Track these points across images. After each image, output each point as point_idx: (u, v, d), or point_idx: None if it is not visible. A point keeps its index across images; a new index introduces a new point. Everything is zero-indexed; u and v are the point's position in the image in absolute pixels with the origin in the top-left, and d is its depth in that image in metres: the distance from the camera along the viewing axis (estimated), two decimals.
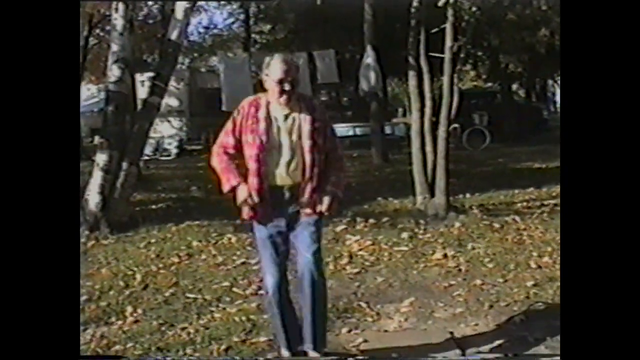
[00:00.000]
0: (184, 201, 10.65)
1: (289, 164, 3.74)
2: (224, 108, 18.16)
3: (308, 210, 3.78)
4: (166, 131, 19.65)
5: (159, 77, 8.71)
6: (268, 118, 3.73)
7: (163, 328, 4.65)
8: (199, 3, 18.66)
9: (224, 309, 5.03)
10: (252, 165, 3.71)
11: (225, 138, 3.80)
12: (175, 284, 5.72)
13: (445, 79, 8.77)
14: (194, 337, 4.42)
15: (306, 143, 3.73)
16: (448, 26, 8.48)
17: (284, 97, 3.69)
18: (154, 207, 10.11)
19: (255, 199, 3.70)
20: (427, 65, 8.88)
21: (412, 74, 9.12)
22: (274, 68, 3.69)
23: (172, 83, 19.33)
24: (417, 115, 8.96)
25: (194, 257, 6.72)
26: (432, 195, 8.68)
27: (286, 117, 3.75)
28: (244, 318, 4.73)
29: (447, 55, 8.57)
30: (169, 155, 19.46)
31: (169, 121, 19.72)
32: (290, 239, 3.83)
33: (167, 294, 5.44)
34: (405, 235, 7.33)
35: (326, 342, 3.97)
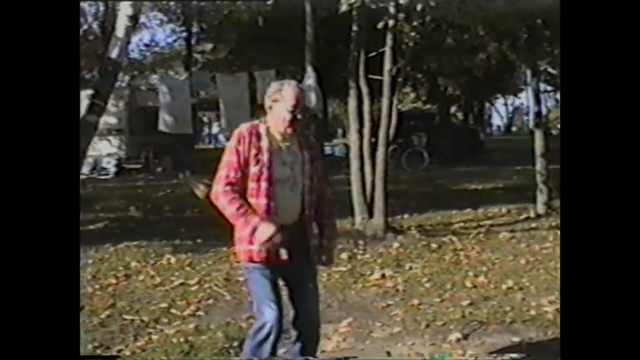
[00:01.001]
0: (123, 221, 10.50)
1: (290, 201, 3.48)
2: (160, 128, 18.05)
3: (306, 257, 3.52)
4: (105, 150, 19.29)
5: (98, 95, 8.61)
6: (271, 148, 3.45)
7: (98, 351, 4.57)
8: (141, 20, 18.57)
9: (162, 330, 4.98)
10: (260, 200, 3.40)
11: (231, 173, 3.42)
12: (112, 306, 5.64)
13: (385, 101, 8.92)
14: None
15: (307, 182, 3.50)
16: (387, 49, 8.65)
17: (294, 125, 3.44)
18: (91, 227, 9.92)
19: (284, 236, 3.35)
20: (367, 87, 9.02)
21: (352, 96, 9.24)
22: (288, 94, 3.42)
23: (112, 101, 19.13)
24: (356, 136, 9.08)
25: (132, 278, 6.64)
26: (371, 216, 8.78)
27: (287, 149, 3.50)
28: (182, 339, 4.69)
29: (386, 78, 8.73)
30: (107, 175, 19.09)
31: (107, 140, 19.38)
32: (291, 290, 3.58)
33: (103, 316, 5.35)
34: (344, 255, 7.38)
35: None
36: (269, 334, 3.40)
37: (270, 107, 3.48)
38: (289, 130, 3.45)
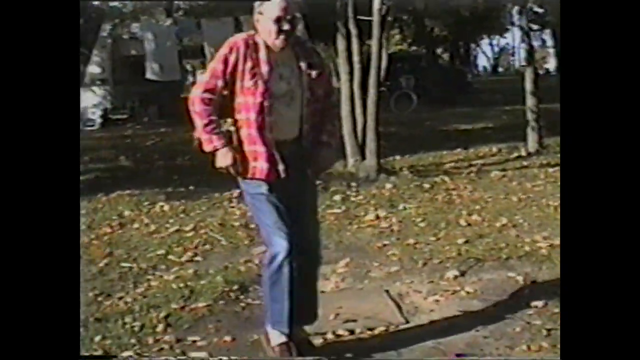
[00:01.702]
0: (113, 171, 10.47)
1: (289, 116, 3.33)
2: (147, 76, 17.89)
3: (308, 170, 3.43)
4: (89, 101, 19.12)
5: (83, 44, 8.48)
6: (270, 61, 3.27)
7: (100, 299, 4.59)
8: None
9: (161, 276, 5.00)
10: (251, 115, 3.24)
11: (213, 80, 3.25)
12: (109, 254, 5.65)
13: (374, 42, 8.84)
14: (132, 306, 4.37)
15: (305, 94, 3.33)
16: None
17: (281, 38, 3.23)
18: (82, 178, 9.90)
19: (239, 169, 3.29)
20: (356, 29, 8.92)
21: (340, 38, 9.14)
22: (270, 5, 3.22)
23: (95, 51, 18.91)
24: (346, 78, 9.02)
25: (127, 227, 6.64)
26: (363, 157, 8.79)
27: (284, 63, 3.31)
28: (181, 285, 4.71)
29: (375, 18, 8.63)
30: (92, 125, 18.97)
31: (92, 90, 19.21)
32: (290, 208, 3.37)
33: (101, 265, 5.36)
34: (337, 197, 7.42)
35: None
36: (281, 265, 3.30)
37: (257, 21, 3.30)
38: (277, 43, 3.25)
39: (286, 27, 3.23)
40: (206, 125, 3.25)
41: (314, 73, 3.36)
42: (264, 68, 3.25)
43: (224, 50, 3.28)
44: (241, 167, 3.32)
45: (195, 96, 3.28)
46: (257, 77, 3.23)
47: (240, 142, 3.33)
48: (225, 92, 3.30)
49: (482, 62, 52.61)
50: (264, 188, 3.32)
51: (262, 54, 3.26)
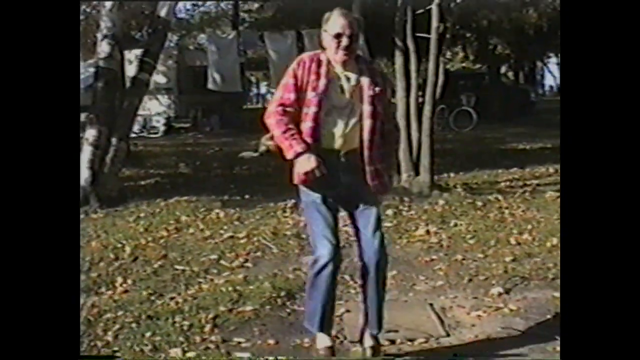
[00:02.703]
0: (172, 177, 10.77)
1: (346, 127, 3.50)
2: (209, 86, 18.26)
3: (368, 183, 3.54)
4: (154, 109, 19.64)
5: (148, 54, 8.78)
6: (329, 75, 3.49)
7: (152, 298, 4.76)
8: None
9: (212, 280, 5.16)
10: (308, 124, 3.45)
11: (286, 94, 3.48)
12: (164, 257, 5.85)
13: (431, 59, 8.89)
14: (182, 307, 4.53)
15: (367, 108, 3.50)
16: (434, 7, 8.59)
17: (341, 53, 3.46)
18: (142, 182, 10.22)
19: (324, 170, 3.41)
20: (414, 46, 9.00)
21: (398, 54, 9.24)
22: (332, 22, 3.48)
23: (161, 60, 19.35)
24: (403, 94, 9.08)
25: (182, 231, 6.84)
26: (417, 173, 8.83)
27: (348, 78, 3.52)
28: (230, 289, 4.85)
29: (433, 36, 8.69)
30: (156, 133, 19.46)
31: (157, 99, 19.70)
32: (353, 217, 3.61)
33: (155, 266, 5.56)
34: (389, 212, 7.47)
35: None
36: (322, 268, 3.46)
37: (323, 38, 3.54)
38: (337, 58, 3.48)
39: (345, 42, 3.45)
40: (284, 132, 3.44)
41: (375, 89, 3.53)
42: (322, 81, 3.47)
43: (293, 65, 3.54)
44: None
45: (270, 111, 3.51)
46: (315, 89, 3.46)
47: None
48: (301, 105, 3.49)
49: (549, 81, 51.82)
50: (316, 196, 3.52)
51: (323, 69, 3.49)
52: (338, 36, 3.45)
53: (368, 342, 3.69)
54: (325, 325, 3.62)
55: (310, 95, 3.45)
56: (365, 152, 3.53)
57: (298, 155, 3.39)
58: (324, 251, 3.46)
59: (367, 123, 3.51)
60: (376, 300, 3.64)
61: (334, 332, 3.84)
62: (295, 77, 3.48)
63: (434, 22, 8.61)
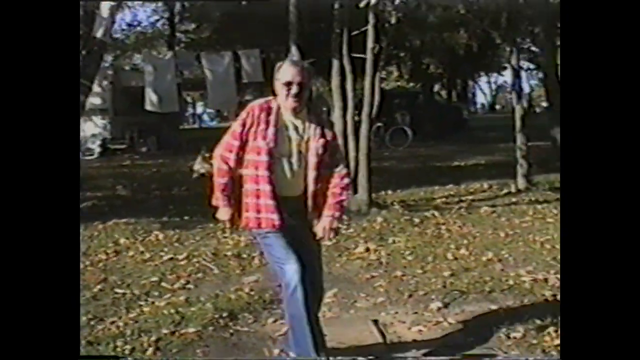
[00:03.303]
0: (110, 199, 10.61)
1: (292, 175, 3.62)
2: (147, 107, 18.11)
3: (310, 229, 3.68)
4: (89, 130, 19.32)
5: (84, 75, 8.67)
6: (278, 124, 3.60)
7: (92, 323, 4.70)
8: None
9: (153, 302, 5.12)
10: (262, 172, 3.55)
11: (232, 140, 3.61)
12: (104, 280, 5.78)
13: (367, 79, 9.05)
14: (124, 330, 4.49)
15: (312, 160, 3.62)
16: (370, 28, 8.76)
17: (291, 100, 3.55)
18: (80, 205, 10.05)
19: (235, 224, 3.71)
20: (350, 65, 9.15)
21: (335, 74, 9.37)
22: (283, 70, 3.59)
23: (96, 81, 19.09)
24: (340, 114, 9.20)
25: (122, 254, 6.77)
26: (355, 192, 8.94)
27: (296, 127, 3.62)
28: (172, 311, 4.83)
29: (369, 56, 8.86)
30: (92, 155, 19.15)
31: (91, 120, 19.40)
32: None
33: (95, 290, 5.48)
34: None
35: None
36: (295, 289, 3.50)
37: (275, 85, 3.63)
38: (287, 105, 3.57)
39: (295, 90, 3.55)
40: (219, 184, 3.67)
41: (322, 141, 3.64)
42: (271, 130, 3.57)
43: (243, 114, 3.64)
44: (239, 220, 3.70)
45: (217, 154, 3.69)
46: (265, 138, 3.56)
47: (240, 195, 3.65)
48: (243, 151, 3.62)
49: (481, 99, 53.13)
50: (271, 231, 3.61)
51: (273, 117, 3.60)
52: (288, 84, 3.54)
53: None
54: (319, 345, 3.58)
55: (261, 144, 3.55)
56: (309, 202, 3.67)
57: (218, 206, 3.69)
58: (292, 270, 3.52)
59: (311, 174, 3.64)
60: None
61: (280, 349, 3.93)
62: (243, 124, 3.59)
63: (370, 43, 8.78)
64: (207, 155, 3.53)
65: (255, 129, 3.57)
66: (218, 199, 3.69)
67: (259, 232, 3.67)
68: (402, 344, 4.26)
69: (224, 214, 3.70)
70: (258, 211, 3.59)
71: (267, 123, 3.57)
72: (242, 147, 3.60)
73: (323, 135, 3.66)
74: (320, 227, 3.68)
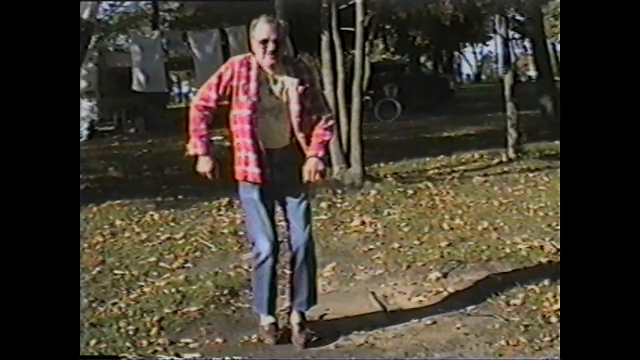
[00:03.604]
0: (102, 182, 10.58)
1: (277, 126, 3.75)
2: (134, 88, 17.99)
3: (298, 178, 3.79)
4: None
5: None
6: (260, 79, 3.70)
7: (94, 305, 4.70)
8: None
9: (153, 283, 5.13)
10: (245, 126, 3.69)
11: (207, 91, 3.74)
12: (102, 262, 5.77)
13: (357, 53, 9.04)
14: (126, 311, 4.49)
15: (294, 108, 3.73)
16: (358, 1, 8.73)
17: (268, 57, 3.65)
18: None
19: (217, 175, 3.77)
20: (339, 40, 9.12)
21: (324, 48, 9.33)
22: (258, 29, 3.67)
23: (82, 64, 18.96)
24: (330, 88, 9.19)
25: (118, 236, 6.76)
26: (348, 165, 8.96)
27: (275, 80, 3.73)
28: (173, 290, 4.84)
29: (358, 29, 8.83)
30: (80, 137, 19.04)
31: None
32: (285, 211, 3.86)
33: (94, 272, 5.47)
34: (323, 204, 7.58)
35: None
36: (263, 262, 3.79)
37: (252, 44, 3.73)
38: (264, 62, 3.68)
39: (271, 47, 3.65)
40: (195, 130, 3.76)
41: (301, 88, 3.74)
42: (253, 85, 3.69)
43: (221, 68, 3.79)
44: (232, 171, 3.79)
45: (192, 104, 3.83)
46: (247, 92, 3.68)
47: (232, 149, 3.80)
48: (221, 104, 3.77)
49: (466, 70, 53.08)
50: (254, 194, 3.78)
51: (253, 72, 3.70)
52: (264, 42, 3.64)
53: (295, 319, 3.95)
54: (271, 308, 3.95)
55: (243, 98, 3.69)
56: (295, 149, 3.80)
57: (197, 155, 3.75)
58: (263, 247, 3.77)
59: (295, 122, 3.76)
60: (306, 282, 3.90)
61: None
62: (220, 77, 3.73)
63: (359, 16, 8.75)
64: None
65: (237, 84, 3.69)
66: (196, 145, 3.74)
67: (243, 193, 3.83)
68: (403, 312, 4.31)
69: (204, 164, 3.75)
70: (246, 164, 3.74)
71: (248, 78, 3.69)
72: (219, 100, 3.73)
73: (302, 82, 3.75)
74: (306, 169, 3.78)
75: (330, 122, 3.91)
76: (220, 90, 3.72)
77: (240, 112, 3.71)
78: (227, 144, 4.17)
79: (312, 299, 3.99)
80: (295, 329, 3.92)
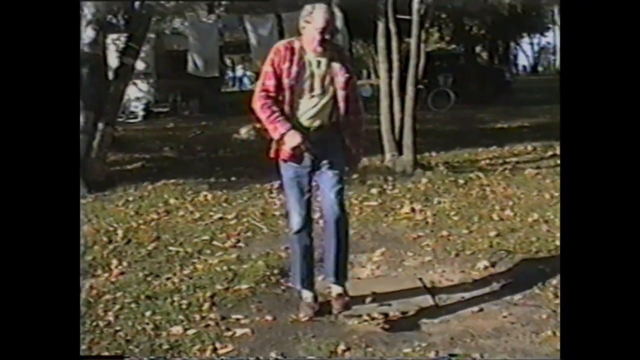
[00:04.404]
0: (158, 161, 10.83)
1: (315, 108, 3.94)
2: (189, 70, 18.24)
3: (334, 155, 4.02)
4: (133, 94, 19.53)
5: (133, 39, 8.81)
6: (301, 62, 3.88)
7: (149, 279, 4.87)
8: None
9: (206, 260, 5.27)
10: (286, 107, 3.90)
11: (267, 81, 3.91)
12: (157, 239, 5.94)
13: (413, 41, 9.04)
14: (179, 286, 4.65)
15: (340, 93, 3.94)
16: None
17: (319, 44, 3.83)
18: (128, 167, 10.27)
19: (308, 145, 3.90)
20: (395, 27, 9.13)
21: (380, 36, 9.35)
22: (317, 17, 3.81)
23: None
24: (385, 76, 9.21)
25: (172, 214, 6.93)
26: (400, 153, 8.99)
27: (319, 63, 3.91)
28: (225, 268, 4.98)
29: (414, 17, 8.83)
30: (135, 118, 19.41)
31: (135, 84, 19.62)
32: (315, 179, 4.06)
33: (149, 248, 5.66)
34: (374, 190, 7.64)
35: (347, 276, 4.22)
36: (295, 235, 4.09)
37: (303, 28, 3.88)
38: (318, 49, 3.85)
39: (327, 36, 3.84)
40: (269, 116, 3.91)
41: (347, 76, 3.95)
42: (295, 68, 3.88)
43: (270, 54, 3.94)
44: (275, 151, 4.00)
45: (255, 98, 3.96)
46: (289, 76, 3.88)
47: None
48: (279, 89, 3.92)
49: (522, 61, 52.14)
50: (291, 172, 4.02)
51: (296, 57, 3.89)
52: (322, 30, 3.81)
53: (334, 290, 4.11)
54: (305, 282, 4.17)
55: (285, 81, 3.88)
56: (334, 129, 4.02)
57: (283, 135, 3.87)
58: (294, 222, 4.06)
59: (342, 105, 3.98)
60: (334, 252, 4.05)
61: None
62: (272, 64, 3.90)
63: (415, 4, 8.75)
64: (258, 126, 3.62)
65: (282, 67, 3.87)
66: (277, 128, 3.88)
67: (284, 172, 4.06)
68: (450, 299, 4.37)
69: (292, 138, 3.87)
70: (284, 144, 3.92)
71: (291, 61, 3.87)
72: (278, 84, 3.89)
73: (347, 68, 3.97)
74: (350, 162, 4.17)
75: (362, 116, 4.16)
76: (277, 76, 3.88)
77: (285, 94, 3.90)
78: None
79: (340, 272, 4.11)
80: (334, 298, 4.09)
